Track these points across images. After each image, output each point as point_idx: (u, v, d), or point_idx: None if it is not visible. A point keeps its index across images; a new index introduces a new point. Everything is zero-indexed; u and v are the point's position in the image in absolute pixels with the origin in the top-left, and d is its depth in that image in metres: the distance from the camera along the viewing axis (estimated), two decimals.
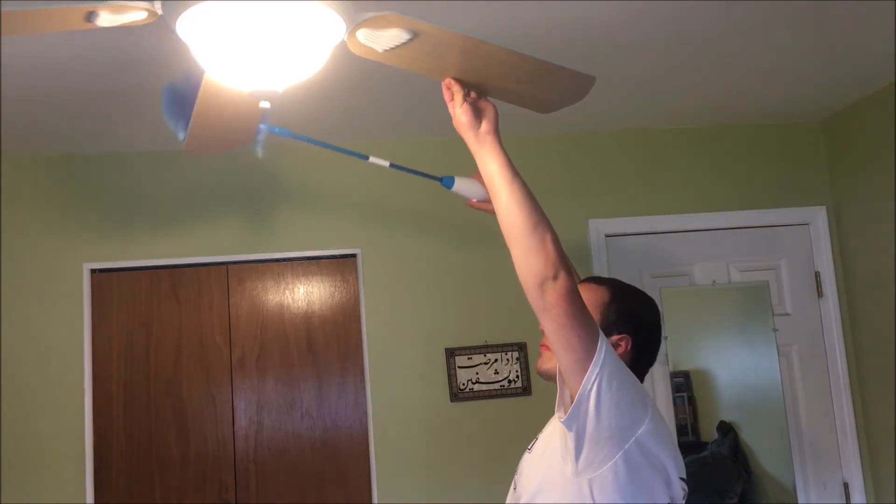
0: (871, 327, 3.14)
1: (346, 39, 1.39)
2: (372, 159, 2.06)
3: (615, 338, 1.63)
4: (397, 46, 1.39)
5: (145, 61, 2.24)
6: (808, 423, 3.22)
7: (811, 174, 3.34)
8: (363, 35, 1.37)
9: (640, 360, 1.66)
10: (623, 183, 3.23)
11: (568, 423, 1.44)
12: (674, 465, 1.53)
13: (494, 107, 1.52)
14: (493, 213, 2.24)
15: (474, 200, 2.18)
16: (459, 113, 1.51)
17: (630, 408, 1.47)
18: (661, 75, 2.67)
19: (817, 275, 3.30)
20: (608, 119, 3.12)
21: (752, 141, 3.32)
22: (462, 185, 2.19)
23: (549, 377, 1.74)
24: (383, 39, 1.38)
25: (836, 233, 3.30)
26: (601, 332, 1.45)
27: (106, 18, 1.39)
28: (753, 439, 3.27)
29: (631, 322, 1.68)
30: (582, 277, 1.85)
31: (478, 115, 1.50)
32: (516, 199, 1.45)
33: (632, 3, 2.11)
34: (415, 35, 1.35)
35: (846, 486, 3.18)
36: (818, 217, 3.31)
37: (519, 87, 1.59)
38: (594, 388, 1.40)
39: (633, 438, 1.46)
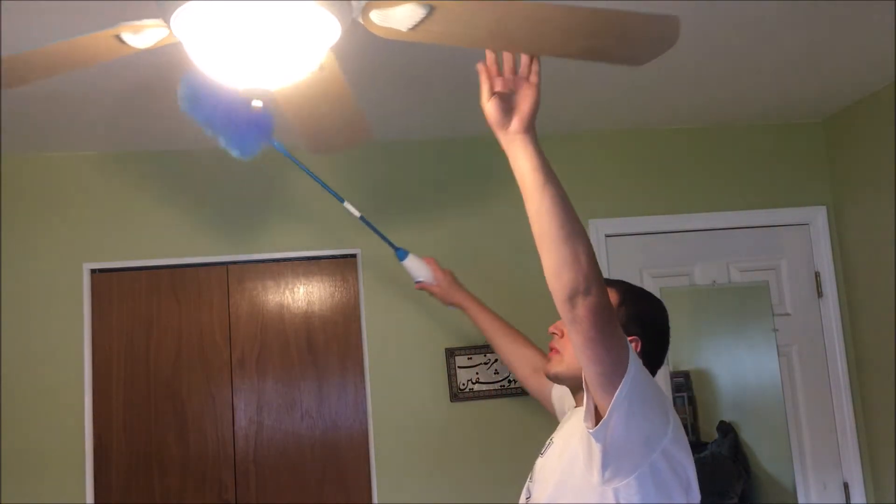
0: (871, 327, 3.14)
1: (363, 24, 1.36)
2: (346, 204, 2.10)
3: None
4: (420, 22, 1.31)
5: (146, 61, 2.24)
6: (808, 423, 3.21)
7: (811, 174, 3.34)
8: (378, 17, 1.34)
9: (649, 363, 1.66)
10: (623, 183, 3.23)
11: (597, 436, 1.43)
12: (692, 470, 1.54)
13: (533, 100, 1.35)
14: (435, 295, 2.36)
15: (421, 280, 2.28)
16: (487, 110, 1.37)
17: (656, 418, 1.48)
18: (662, 75, 2.67)
19: (817, 275, 3.30)
20: (608, 119, 3.11)
21: (752, 141, 3.32)
22: (412, 264, 2.28)
23: (559, 380, 1.74)
24: (402, 18, 1.31)
25: (836, 233, 3.30)
26: (630, 346, 1.43)
27: (133, 39, 1.41)
28: (753, 439, 3.27)
29: (641, 324, 1.68)
30: None
31: (508, 111, 1.36)
32: (547, 207, 1.34)
33: (632, 3, 2.10)
34: (432, 8, 1.27)
35: (846, 486, 3.18)
36: (818, 217, 3.31)
37: (581, 44, 1.39)
38: (625, 402, 1.39)
39: (660, 448, 1.46)
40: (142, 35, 1.41)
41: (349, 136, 1.97)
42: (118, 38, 1.40)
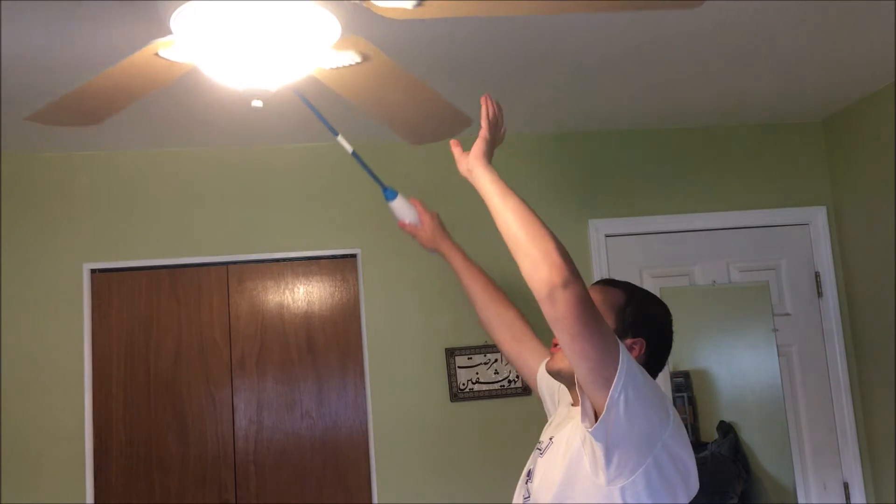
0: (871, 327, 3.14)
1: (368, 8, 1.36)
2: (339, 138, 2.07)
3: (629, 341, 1.62)
4: None
5: None
6: (808, 423, 3.21)
7: (811, 174, 3.34)
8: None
9: (651, 364, 1.65)
10: (623, 183, 3.23)
11: (597, 434, 1.43)
12: (692, 463, 1.54)
13: (482, 136, 1.64)
14: (418, 238, 2.36)
15: (406, 223, 2.26)
16: (457, 157, 1.70)
17: (655, 413, 1.47)
18: (662, 76, 2.67)
19: (817, 275, 3.30)
20: (608, 119, 3.11)
21: (752, 141, 3.32)
22: (399, 205, 2.25)
23: (561, 377, 1.73)
24: None
25: (836, 233, 3.30)
26: (619, 340, 1.44)
27: (172, 53, 1.42)
28: (753, 439, 3.27)
29: (646, 326, 1.67)
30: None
31: (463, 156, 1.68)
32: (513, 215, 1.49)
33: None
34: None
35: (846, 486, 3.18)
36: (818, 217, 3.31)
37: None
38: (622, 398, 1.40)
39: (661, 443, 1.46)
40: (176, 49, 1.41)
41: (444, 122, 1.94)
42: (159, 55, 1.41)
